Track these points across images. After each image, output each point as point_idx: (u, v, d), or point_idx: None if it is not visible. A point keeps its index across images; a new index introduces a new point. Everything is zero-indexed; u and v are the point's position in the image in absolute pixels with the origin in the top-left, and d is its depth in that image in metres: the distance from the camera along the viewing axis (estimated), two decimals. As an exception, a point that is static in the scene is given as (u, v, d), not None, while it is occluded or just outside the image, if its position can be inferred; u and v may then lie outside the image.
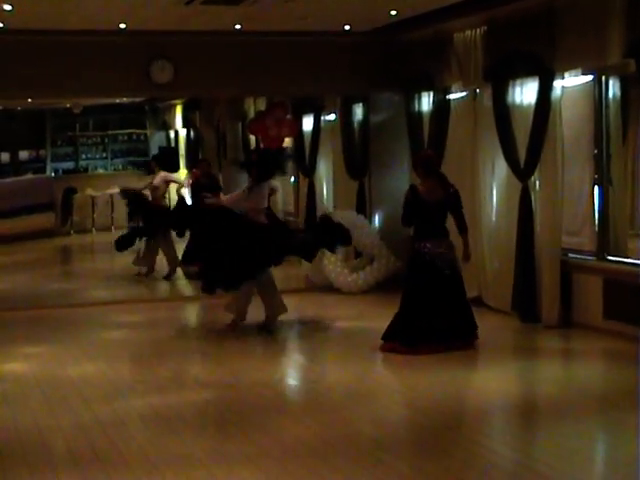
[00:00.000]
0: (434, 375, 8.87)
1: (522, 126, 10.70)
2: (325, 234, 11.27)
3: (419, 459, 6.55)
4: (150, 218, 15.35)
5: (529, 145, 10.55)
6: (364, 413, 7.67)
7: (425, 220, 9.55)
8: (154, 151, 25.33)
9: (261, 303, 10.99)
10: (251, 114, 18.13)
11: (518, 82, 10.75)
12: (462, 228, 9.71)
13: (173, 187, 23.54)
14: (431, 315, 9.44)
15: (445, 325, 9.47)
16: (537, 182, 10.69)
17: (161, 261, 15.38)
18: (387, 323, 11.03)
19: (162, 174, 15.82)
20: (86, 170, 25.47)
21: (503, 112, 10.95)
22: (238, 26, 12.43)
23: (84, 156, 25.85)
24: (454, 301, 9.58)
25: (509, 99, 10.89)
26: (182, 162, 23.84)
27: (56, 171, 25.15)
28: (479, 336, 9.72)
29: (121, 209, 24.03)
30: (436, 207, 9.52)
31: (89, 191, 23.15)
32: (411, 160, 13.14)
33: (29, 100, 19.64)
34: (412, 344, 9.39)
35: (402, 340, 9.47)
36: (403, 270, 13.29)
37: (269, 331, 10.72)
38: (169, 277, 15.20)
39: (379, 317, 11.54)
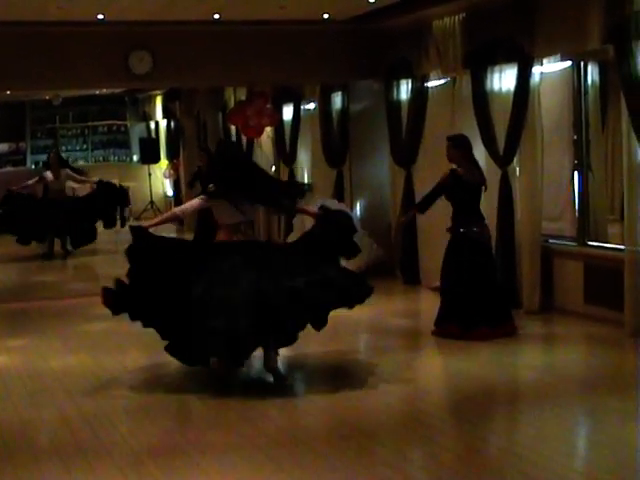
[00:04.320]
0: (417, 362, 8.90)
1: (501, 113, 10.72)
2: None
3: (403, 446, 6.56)
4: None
5: (508, 132, 10.57)
6: (348, 401, 7.68)
7: (468, 202, 9.54)
8: (135, 142, 25.29)
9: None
10: (231, 104, 18.09)
11: (497, 69, 10.76)
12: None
13: (157, 178, 23.63)
14: (480, 297, 9.46)
15: (492, 308, 9.53)
16: (517, 169, 10.72)
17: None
18: (370, 311, 11.07)
19: (67, 171, 17.66)
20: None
21: (482, 99, 10.97)
22: (217, 15, 12.39)
23: (64, 148, 25.71)
24: (492, 284, 9.64)
25: (488, 86, 10.90)
26: (163, 153, 23.81)
27: (36, 163, 25.01)
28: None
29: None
30: (477, 189, 9.57)
31: (70, 183, 23.02)
32: (390, 148, 13.20)
33: (8, 92, 19.53)
34: (468, 328, 9.42)
35: (458, 323, 9.48)
36: (385, 258, 13.42)
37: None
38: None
39: (361, 305, 11.57)
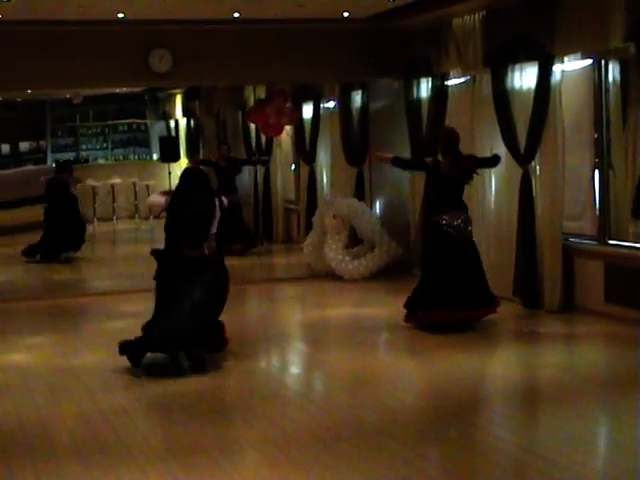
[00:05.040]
0: (436, 361, 8.87)
1: (522, 111, 10.69)
2: None
3: (422, 445, 6.56)
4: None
5: (529, 130, 10.54)
6: (367, 400, 7.68)
7: (443, 194, 9.87)
8: (155, 140, 25.36)
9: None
10: (251, 102, 18.10)
11: (517, 67, 10.73)
12: (496, 161, 10.20)
13: (177, 177, 23.66)
14: (450, 283, 9.66)
15: (464, 293, 9.68)
16: (537, 167, 10.68)
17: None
18: (389, 309, 11.07)
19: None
20: (87, 161, 25.45)
21: (502, 97, 10.93)
22: (236, 14, 12.40)
23: (84, 147, 25.82)
24: (471, 271, 9.81)
25: (508, 84, 10.87)
26: (182, 151, 23.84)
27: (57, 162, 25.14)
28: (499, 304, 9.99)
29: (122, 199, 24.11)
30: (453, 182, 9.82)
31: (90, 181, 23.15)
32: (410, 146, 13.18)
33: (29, 91, 19.62)
34: (432, 307, 9.67)
35: (425, 307, 9.75)
36: (404, 257, 13.41)
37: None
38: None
39: (381, 304, 11.59)
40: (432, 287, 9.74)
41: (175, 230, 8.79)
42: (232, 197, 16.39)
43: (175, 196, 9.04)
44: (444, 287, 9.64)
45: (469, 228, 9.86)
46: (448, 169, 9.75)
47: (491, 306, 9.90)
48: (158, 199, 10.04)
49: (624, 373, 8.12)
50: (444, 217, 9.77)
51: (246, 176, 19.33)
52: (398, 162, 10.44)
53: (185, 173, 9.15)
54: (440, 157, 9.99)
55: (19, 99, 24.41)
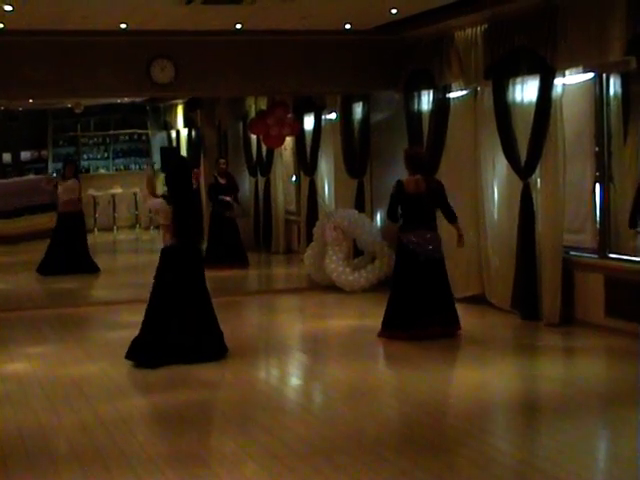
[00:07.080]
0: (436, 373, 8.87)
1: (523, 124, 10.71)
2: None
3: (422, 457, 6.55)
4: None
5: (530, 143, 10.55)
6: (366, 411, 7.68)
7: (410, 212, 10.02)
8: (156, 150, 25.38)
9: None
10: (252, 113, 18.14)
11: (519, 80, 10.75)
12: (451, 218, 10.19)
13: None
14: (414, 301, 9.90)
15: (427, 311, 9.92)
16: (538, 180, 10.69)
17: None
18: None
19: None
20: (88, 170, 25.48)
21: (504, 110, 10.95)
22: (239, 25, 12.43)
23: (86, 156, 25.85)
24: (437, 290, 10.01)
25: (510, 97, 10.89)
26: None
27: (58, 171, 25.14)
28: (462, 327, 10.11)
29: (123, 209, 24.12)
30: (420, 200, 9.96)
31: (91, 191, 23.19)
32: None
33: (30, 100, 19.64)
34: (405, 328, 9.93)
35: (399, 326, 9.99)
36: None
37: None
38: None
39: (381, 315, 11.52)
40: (403, 306, 9.95)
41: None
42: (228, 214, 16.43)
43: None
44: (412, 306, 9.88)
45: (430, 247, 9.98)
46: (414, 188, 9.93)
47: (456, 327, 10.08)
48: (156, 203, 10.08)
49: (624, 386, 8.12)
50: (411, 237, 9.96)
51: (247, 187, 19.36)
52: (391, 216, 10.27)
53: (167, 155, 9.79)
54: (405, 176, 10.14)
55: (20, 108, 24.45)
